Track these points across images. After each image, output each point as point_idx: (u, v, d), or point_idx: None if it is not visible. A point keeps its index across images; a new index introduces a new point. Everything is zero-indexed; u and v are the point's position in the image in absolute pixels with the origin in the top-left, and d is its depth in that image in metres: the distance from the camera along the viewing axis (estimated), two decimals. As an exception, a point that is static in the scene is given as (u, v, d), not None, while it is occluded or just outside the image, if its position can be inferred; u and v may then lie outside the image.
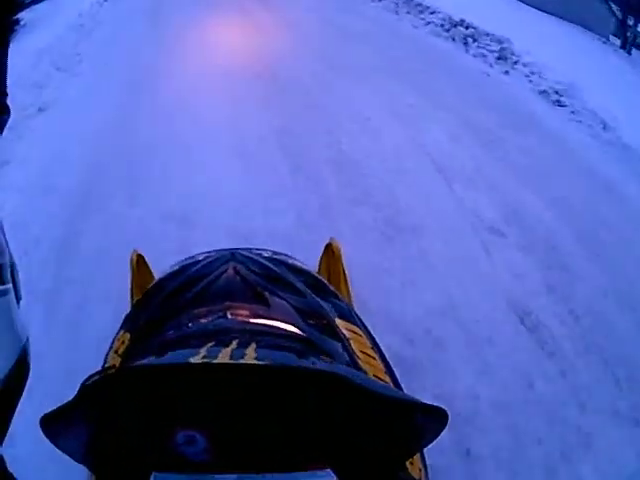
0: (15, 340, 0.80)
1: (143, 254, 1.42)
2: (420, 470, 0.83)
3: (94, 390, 0.66)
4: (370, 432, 0.65)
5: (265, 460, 0.64)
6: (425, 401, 0.65)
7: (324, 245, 1.45)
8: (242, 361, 0.67)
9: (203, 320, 0.82)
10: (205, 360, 0.70)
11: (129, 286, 1.37)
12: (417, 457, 0.84)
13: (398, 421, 0.65)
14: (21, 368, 0.80)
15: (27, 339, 0.85)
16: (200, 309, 0.84)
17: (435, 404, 0.64)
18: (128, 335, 0.92)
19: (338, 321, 0.93)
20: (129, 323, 0.98)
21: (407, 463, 0.79)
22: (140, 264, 1.41)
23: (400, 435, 0.67)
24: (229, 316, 0.81)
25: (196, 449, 0.63)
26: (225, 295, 0.88)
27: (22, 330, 0.84)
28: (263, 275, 0.97)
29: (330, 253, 1.43)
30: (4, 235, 0.86)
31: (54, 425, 0.66)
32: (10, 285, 0.81)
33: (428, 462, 0.88)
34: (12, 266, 0.85)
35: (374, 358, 0.92)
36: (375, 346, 0.97)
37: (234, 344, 0.73)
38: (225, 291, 0.90)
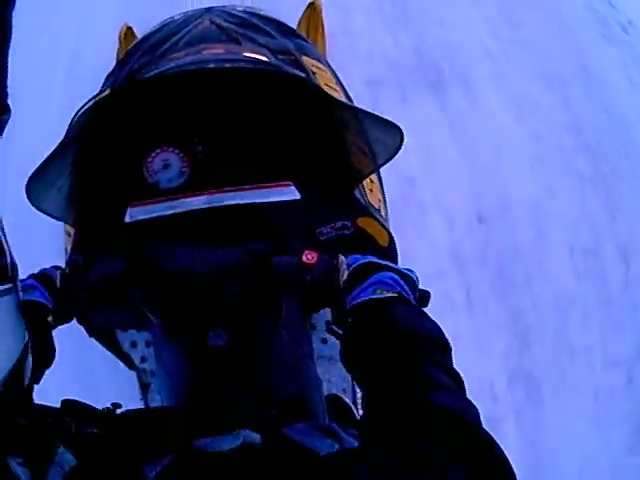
0: (16, 340, 0.79)
1: (133, 27, 1.47)
2: (379, 201, 0.86)
3: (83, 114, 0.66)
4: (329, 144, 0.68)
5: (232, 178, 0.66)
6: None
7: (308, 2, 1.55)
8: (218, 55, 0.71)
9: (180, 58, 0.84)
10: (180, 63, 0.73)
11: (114, 57, 1.40)
12: (377, 186, 0.87)
13: (355, 133, 0.67)
14: (22, 369, 0.79)
15: (28, 340, 0.84)
16: (178, 53, 0.86)
17: (390, 120, 0.64)
18: (109, 90, 0.93)
19: (305, 58, 0.97)
20: (110, 80, 1.00)
21: (367, 190, 0.82)
22: (128, 36, 1.46)
23: (357, 149, 0.69)
24: (204, 53, 0.84)
25: (171, 173, 0.66)
26: (201, 40, 0.91)
27: (23, 331, 0.83)
28: (236, 23, 1.00)
29: (312, 9, 1.54)
30: (4, 235, 0.85)
31: (38, 184, 0.67)
32: (11, 285, 0.80)
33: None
34: (13, 266, 0.84)
35: (337, 91, 0.97)
36: (338, 82, 1.03)
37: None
38: (201, 37, 0.93)
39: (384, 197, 0.89)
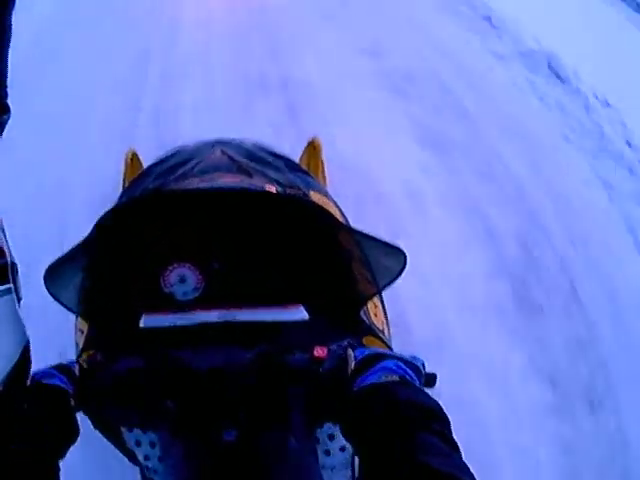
0: (16, 341, 0.79)
1: (138, 153, 1.51)
2: (383, 323, 0.90)
3: (105, 222, 0.71)
4: (337, 269, 0.73)
5: (245, 296, 0.70)
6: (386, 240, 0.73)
7: (307, 142, 1.63)
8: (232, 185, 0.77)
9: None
10: (202, 185, 0.75)
11: (121, 182, 1.44)
12: (381, 311, 0.92)
13: (360, 257, 0.73)
14: (22, 369, 0.79)
15: (28, 340, 0.84)
16: (193, 178, 0.91)
17: (396, 245, 0.72)
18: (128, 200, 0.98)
19: (312, 193, 1.03)
20: (125, 197, 1.05)
21: (372, 314, 0.87)
22: (134, 162, 1.49)
23: (362, 273, 0.74)
24: (218, 180, 0.89)
25: (186, 288, 0.70)
26: (214, 169, 0.96)
27: (23, 331, 0.83)
28: (246, 156, 1.06)
29: (312, 149, 1.59)
30: (4, 235, 0.85)
31: (55, 276, 0.71)
32: (11, 285, 0.80)
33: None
34: (12, 266, 0.84)
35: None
36: (343, 216, 1.08)
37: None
38: (214, 166, 0.98)
39: (387, 320, 0.94)
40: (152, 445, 0.74)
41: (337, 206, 1.10)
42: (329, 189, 1.44)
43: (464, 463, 0.50)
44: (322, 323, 0.70)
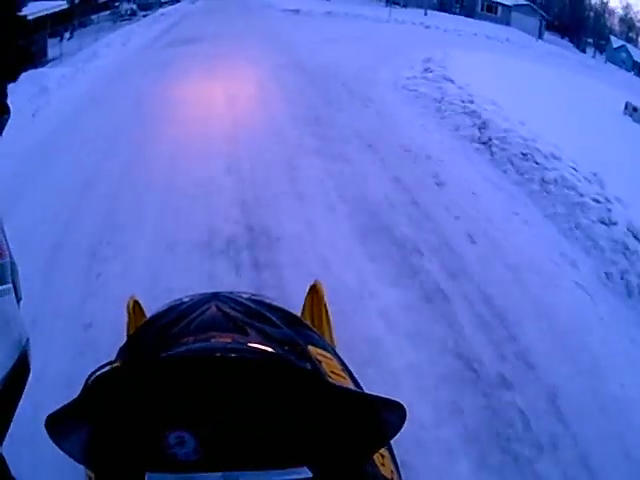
0: (15, 341, 0.80)
1: (140, 300, 1.53)
2: (392, 472, 0.91)
3: (99, 385, 0.73)
4: (340, 429, 0.73)
5: (248, 459, 0.71)
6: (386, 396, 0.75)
7: (309, 286, 1.59)
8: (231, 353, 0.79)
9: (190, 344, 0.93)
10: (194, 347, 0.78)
11: (125, 329, 1.46)
12: (389, 459, 0.93)
13: (364, 417, 0.74)
14: (21, 369, 0.80)
15: (27, 340, 0.85)
16: (188, 337, 0.93)
17: (394, 399, 0.74)
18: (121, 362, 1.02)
19: (310, 347, 1.03)
20: (123, 353, 1.08)
21: (379, 464, 0.88)
22: (136, 310, 1.52)
23: (366, 431, 0.75)
24: (212, 340, 0.91)
25: (187, 449, 0.71)
26: (209, 327, 0.98)
27: (22, 331, 0.84)
28: (242, 311, 1.07)
29: (314, 293, 1.57)
30: (4, 235, 0.86)
31: (58, 426, 0.72)
32: (10, 285, 0.81)
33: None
34: (12, 266, 0.84)
35: (344, 378, 1.03)
36: (345, 369, 1.09)
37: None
38: (209, 324, 1.00)
39: (397, 467, 0.96)
40: None
41: (339, 358, 1.12)
42: (334, 335, 1.46)
43: None
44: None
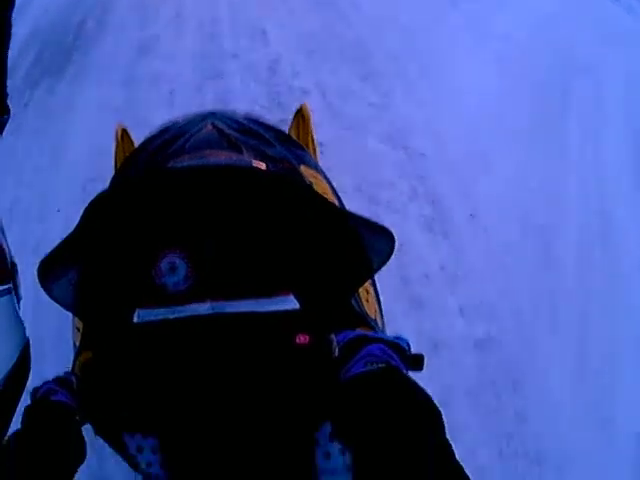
0: (15, 341, 0.80)
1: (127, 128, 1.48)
2: (375, 311, 0.90)
3: (94, 208, 0.71)
4: (327, 254, 0.71)
5: (236, 286, 0.69)
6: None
7: (295, 110, 1.59)
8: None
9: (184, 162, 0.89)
10: (191, 163, 0.76)
11: (113, 159, 1.41)
12: (373, 297, 0.90)
13: (350, 241, 0.71)
14: (21, 369, 0.80)
15: (27, 340, 0.85)
16: (182, 156, 0.90)
17: (384, 225, 0.71)
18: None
19: (302, 167, 1.01)
20: (119, 178, 1.05)
21: (364, 299, 0.85)
22: (125, 138, 1.47)
23: (352, 259, 0.72)
24: (208, 158, 0.88)
25: (177, 277, 0.69)
26: (204, 145, 0.95)
27: (22, 330, 0.83)
28: (237, 129, 1.05)
29: (300, 117, 1.56)
30: (4, 235, 0.86)
31: (48, 272, 0.71)
32: (10, 285, 0.80)
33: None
34: (12, 266, 0.84)
35: (332, 200, 1.00)
36: (333, 192, 1.07)
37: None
38: (204, 142, 0.97)
39: (380, 308, 0.93)
40: (154, 451, 0.74)
41: (327, 180, 1.09)
42: (319, 159, 1.43)
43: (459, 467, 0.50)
44: (312, 312, 0.70)
